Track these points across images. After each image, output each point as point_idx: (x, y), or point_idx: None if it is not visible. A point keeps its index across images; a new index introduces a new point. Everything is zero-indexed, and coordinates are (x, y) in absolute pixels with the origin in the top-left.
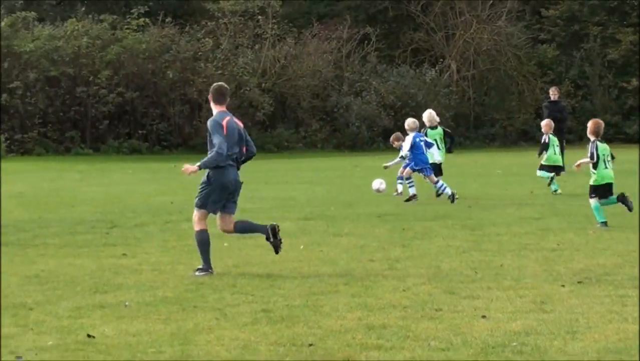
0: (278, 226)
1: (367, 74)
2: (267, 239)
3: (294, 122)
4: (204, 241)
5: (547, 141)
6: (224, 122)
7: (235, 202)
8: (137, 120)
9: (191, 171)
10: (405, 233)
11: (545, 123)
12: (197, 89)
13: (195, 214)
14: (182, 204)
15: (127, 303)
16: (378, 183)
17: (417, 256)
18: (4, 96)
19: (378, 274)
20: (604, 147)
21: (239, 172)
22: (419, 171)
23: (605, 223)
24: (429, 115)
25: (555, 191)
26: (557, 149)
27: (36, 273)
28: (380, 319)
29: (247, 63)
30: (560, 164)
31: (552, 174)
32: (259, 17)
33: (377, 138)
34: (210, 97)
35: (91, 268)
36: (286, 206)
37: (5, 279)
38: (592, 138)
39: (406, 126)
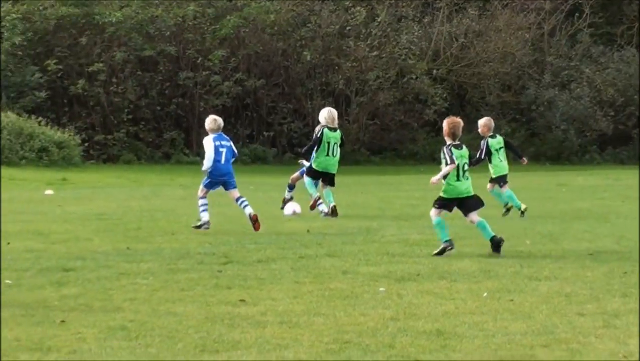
0: None
1: (577, 58)
2: None
3: (476, 123)
4: None
5: None
6: None
7: None
8: (262, 118)
9: None
10: (627, 278)
11: None
12: (344, 77)
13: None
14: (323, 232)
15: None
16: (291, 207)
17: None
18: (81, 82)
19: (589, 334)
20: (460, 154)
21: None
22: (211, 186)
23: (449, 242)
24: (328, 113)
25: None
26: None
27: (122, 324)
28: None
29: (412, 42)
30: None
31: None
32: None
33: (591, 147)
34: None
35: (197, 318)
36: (465, 237)
37: (80, 331)
38: (447, 141)
39: (206, 125)
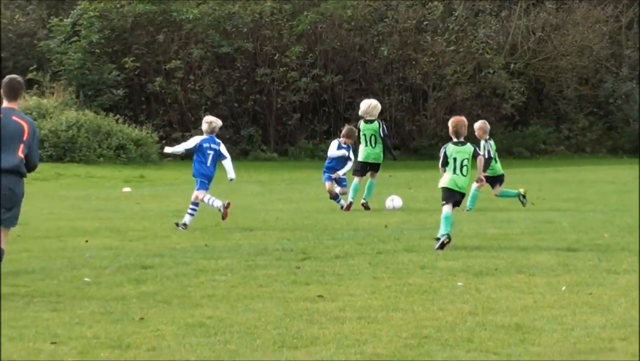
0: None
1: None
2: None
3: (553, 117)
4: None
5: None
6: None
7: (8, 212)
8: (339, 113)
9: None
10: None
11: None
12: (421, 72)
13: None
14: (400, 227)
15: None
16: (389, 201)
17: None
18: (158, 79)
19: None
20: (458, 150)
21: (14, 179)
22: (205, 187)
23: (449, 236)
24: (366, 106)
25: None
26: None
27: (201, 321)
28: None
29: (490, 36)
30: None
31: None
32: None
33: None
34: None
35: (276, 314)
36: (543, 231)
37: (159, 328)
38: (453, 139)
39: (202, 126)
